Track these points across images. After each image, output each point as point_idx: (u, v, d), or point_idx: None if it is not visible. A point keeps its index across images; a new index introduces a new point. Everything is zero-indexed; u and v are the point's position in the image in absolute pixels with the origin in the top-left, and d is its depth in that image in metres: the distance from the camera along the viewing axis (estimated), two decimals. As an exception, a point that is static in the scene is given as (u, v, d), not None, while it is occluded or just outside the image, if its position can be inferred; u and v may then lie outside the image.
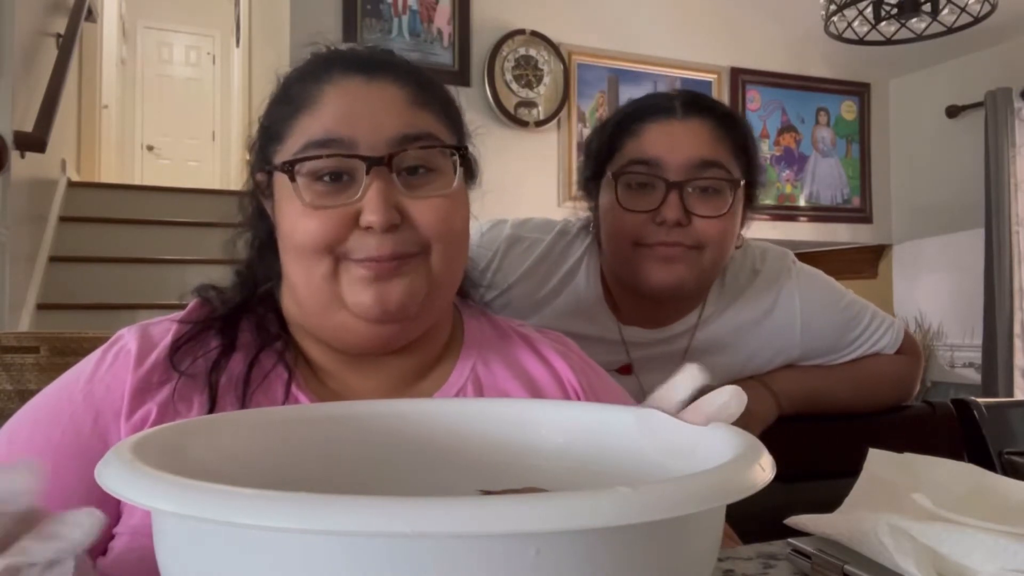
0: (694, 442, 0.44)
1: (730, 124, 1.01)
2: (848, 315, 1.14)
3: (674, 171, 0.96)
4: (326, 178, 0.64)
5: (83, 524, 0.34)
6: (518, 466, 0.50)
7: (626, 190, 0.99)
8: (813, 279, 1.14)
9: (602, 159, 1.04)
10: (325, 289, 0.65)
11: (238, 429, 0.47)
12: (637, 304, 1.07)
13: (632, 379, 1.07)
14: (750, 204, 1.05)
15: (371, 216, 0.62)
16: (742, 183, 0.99)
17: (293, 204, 0.65)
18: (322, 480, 0.47)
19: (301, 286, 0.67)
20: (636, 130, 1.00)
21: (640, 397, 1.01)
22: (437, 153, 0.67)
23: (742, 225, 1.05)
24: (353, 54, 0.71)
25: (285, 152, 0.67)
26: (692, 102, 1.01)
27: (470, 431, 0.52)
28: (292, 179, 0.64)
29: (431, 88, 0.70)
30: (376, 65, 0.68)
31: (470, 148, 0.74)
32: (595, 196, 1.07)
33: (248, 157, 0.74)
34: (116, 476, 0.32)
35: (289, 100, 0.69)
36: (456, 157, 0.68)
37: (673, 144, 0.97)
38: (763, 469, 0.34)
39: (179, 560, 0.32)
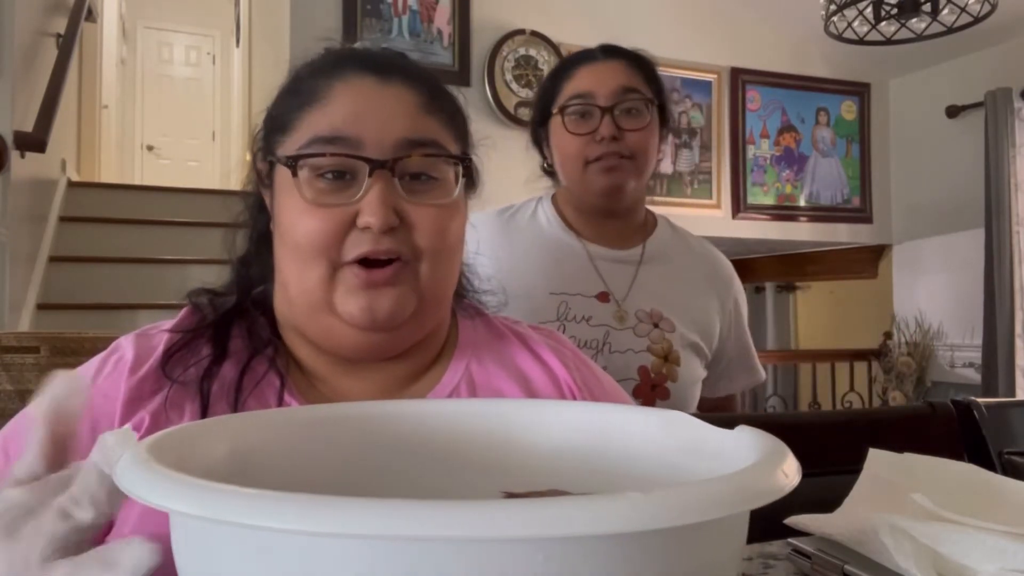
0: (719, 445, 0.43)
1: (640, 60, 1.28)
2: (748, 334, 1.40)
3: (604, 98, 1.22)
4: (328, 175, 0.64)
5: (141, 557, 0.36)
6: (543, 469, 0.50)
7: (571, 119, 1.25)
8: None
9: (547, 103, 1.29)
10: (318, 293, 0.65)
11: (256, 429, 0.47)
12: (594, 225, 1.31)
13: (610, 304, 1.26)
14: (665, 124, 1.31)
15: (369, 217, 0.63)
16: (654, 103, 1.26)
17: (293, 199, 0.65)
18: (341, 482, 0.47)
19: (293, 285, 0.67)
20: (570, 73, 1.27)
21: (618, 321, 1.26)
22: (440, 161, 0.67)
23: (661, 144, 1.31)
24: (367, 53, 0.71)
25: (290, 145, 0.67)
26: (609, 48, 1.29)
27: (492, 433, 0.52)
28: (294, 174, 0.64)
29: (441, 95, 0.71)
30: (389, 67, 0.68)
31: (474, 158, 0.74)
32: (545, 140, 1.32)
33: (252, 146, 0.74)
34: (132, 476, 0.32)
35: (298, 92, 0.69)
36: (459, 167, 0.68)
37: (600, 78, 1.24)
38: (786, 475, 0.33)
39: (195, 560, 0.32)
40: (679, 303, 1.28)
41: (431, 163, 0.66)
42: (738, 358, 1.38)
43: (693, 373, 1.27)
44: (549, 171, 1.35)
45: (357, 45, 0.75)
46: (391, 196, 0.64)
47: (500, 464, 0.50)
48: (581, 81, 1.25)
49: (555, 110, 1.26)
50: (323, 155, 0.64)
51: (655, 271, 1.29)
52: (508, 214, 1.36)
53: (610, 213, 1.29)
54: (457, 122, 0.72)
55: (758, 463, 0.35)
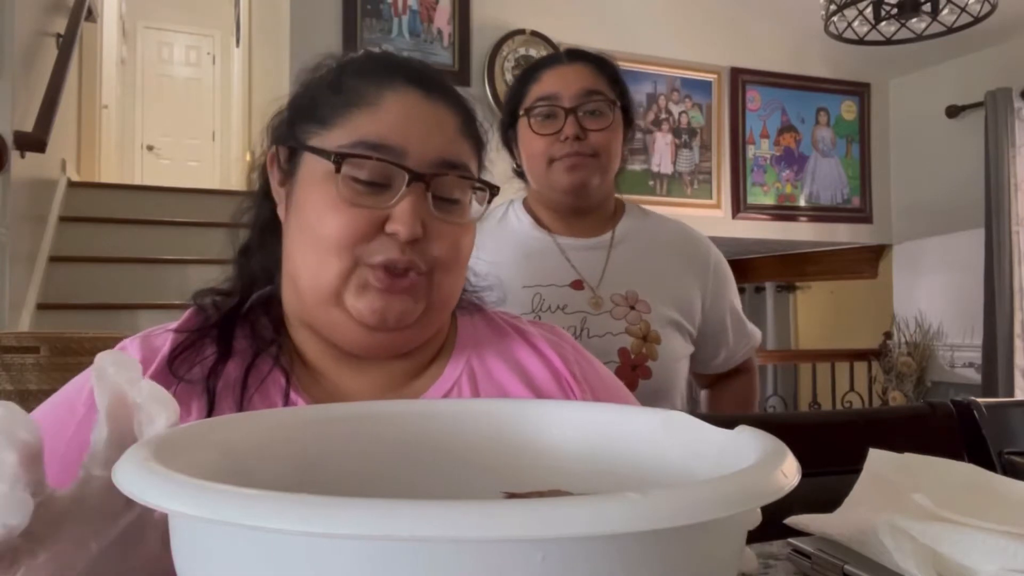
0: (720, 445, 0.43)
1: (603, 63, 1.32)
2: (737, 302, 1.42)
3: (568, 100, 1.26)
4: (365, 180, 0.66)
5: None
6: (544, 469, 0.50)
7: (536, 121, 1.29)
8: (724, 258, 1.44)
9: (515, 106, 1.33)
10: (331, 285, 0.66)
11: (256, 430, 0.47)
12: (563, 219, 1.34)
13: (585, 291, 1.29)
14: (629, 125, 1.34)
15: (399, 226, 0.65)
16: (617, 104, 1.30)
17: (325, 194, 0.66)
18: (341, 483, 0.47)
19: (306, 277, 0.68)
20: (536, 76, 1.31)
21: (593, 307, 1.30)
22: (466, 184, 0.70)
23: (625, 144, 1.35)
24: (413, 65, 0.73)
25: (330, 140, 0.68)
26: (574, 52, 1.34)
27: (494, 434, 0.52)
28: (338, 170, 0.66)
29: (473, 120, 0.74)
30: (434, 84, 0.71)
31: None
32: (514, 141, 1.35)
33: (269, 129, 0.75)
34: (132, 477, 0.32)
35: (343, 91, 0.70)
36: (484, 194, 0.72)
37: (565, 81, 1.27)
38: (786, 475, 0.33)
39: (195, 560, 0.32)
40: (654, 282, 1.31)
41: (460, 184, 0.69)
42: (733, 327, 1.41)
43: (675, 351, 1.29)
44: (519, 172, 1.38)
45: (397, 55, 0.77)
46: (422, 209, 0.66)
47: (501, 465, 0.50)
48: (546, 84, 1.29)
49: (522, 112, 1.31)
50: (369, 158, 0.66)
51: (626, 253, 1.33)
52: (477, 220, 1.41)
53: (577, 209, 1.33)
54: (480, 148, 0.76)
55: (758, 463, 0.34)
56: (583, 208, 1.33)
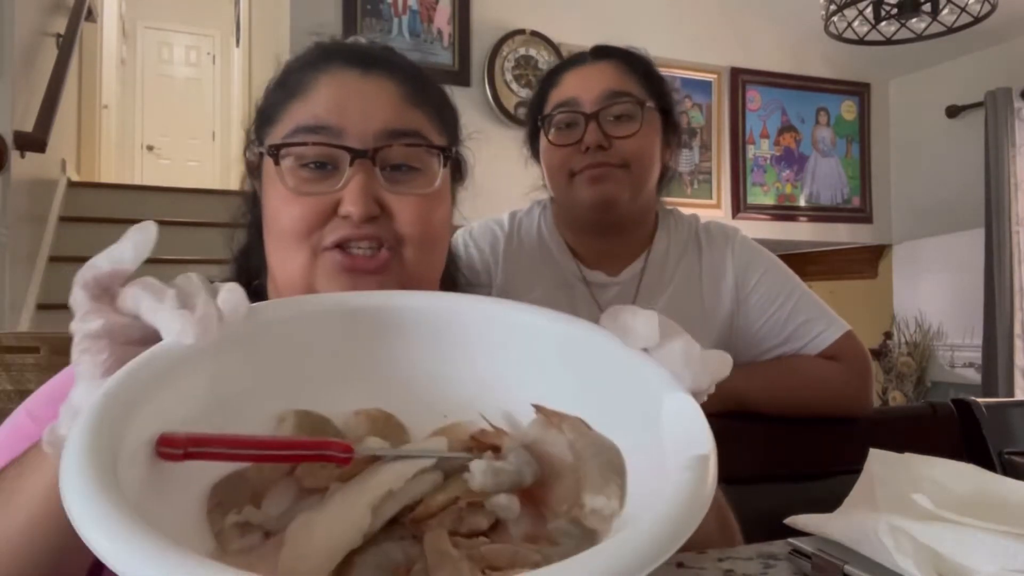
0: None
1: (633, 60, 1.16)
2: (787, 291, 1.26)
3: (589, 104, 1.11)
4: (311, 165, 0.65)
5: None
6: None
7: (555, 131, 1.15)
8: (753, 250, 1.27)
9: (535, 115, 1.19)
10: (299, 279, 0.66)
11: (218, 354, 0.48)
12: (590, 243, 1.20)
13: None
14: (674, 130, 1.19)
15: (350, 207, 0.63)
16: (649, 105, 1.13)
17: (276, 188, 0.66)
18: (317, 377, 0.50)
19: (278, 272, 0.68)
20: (557, 80, 1.17)
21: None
22: (423, 152, 0.67)
23: (668, 150, 1.19)
24: (352, 47, 0.72)
25: (275, 135, 0.68)
26: (599, 49, 1.18)
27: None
28: (276, 163, 0.65)
29: (427, 87, 0.71)
30: (373, 59, 0.69)
31: (462, 150, 0.75)
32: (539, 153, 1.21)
33: (245, 139, 0.75)
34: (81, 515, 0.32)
35: (285, 85, 0.70)
36: (442, 157, 0.68)
37: (585, 83, 1.13)
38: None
39: None
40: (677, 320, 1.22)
41: (413, 153, 0.67)
42: (775, 337, 1.23)
43: None
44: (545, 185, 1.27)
45: (347, 39, 0.75)
46: (372, 186, 0.64)
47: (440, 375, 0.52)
48: (566, 87, 1.15)
49: (540, 121, 1.17)
50: (305, 144, 0.65)
51: (652, 300, 1.19)
52: (515, 227, 1.26)
53: (604, 227, 1.17)
54: (444, 114, 0.72)
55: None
56: (611, 225, 1.17)
